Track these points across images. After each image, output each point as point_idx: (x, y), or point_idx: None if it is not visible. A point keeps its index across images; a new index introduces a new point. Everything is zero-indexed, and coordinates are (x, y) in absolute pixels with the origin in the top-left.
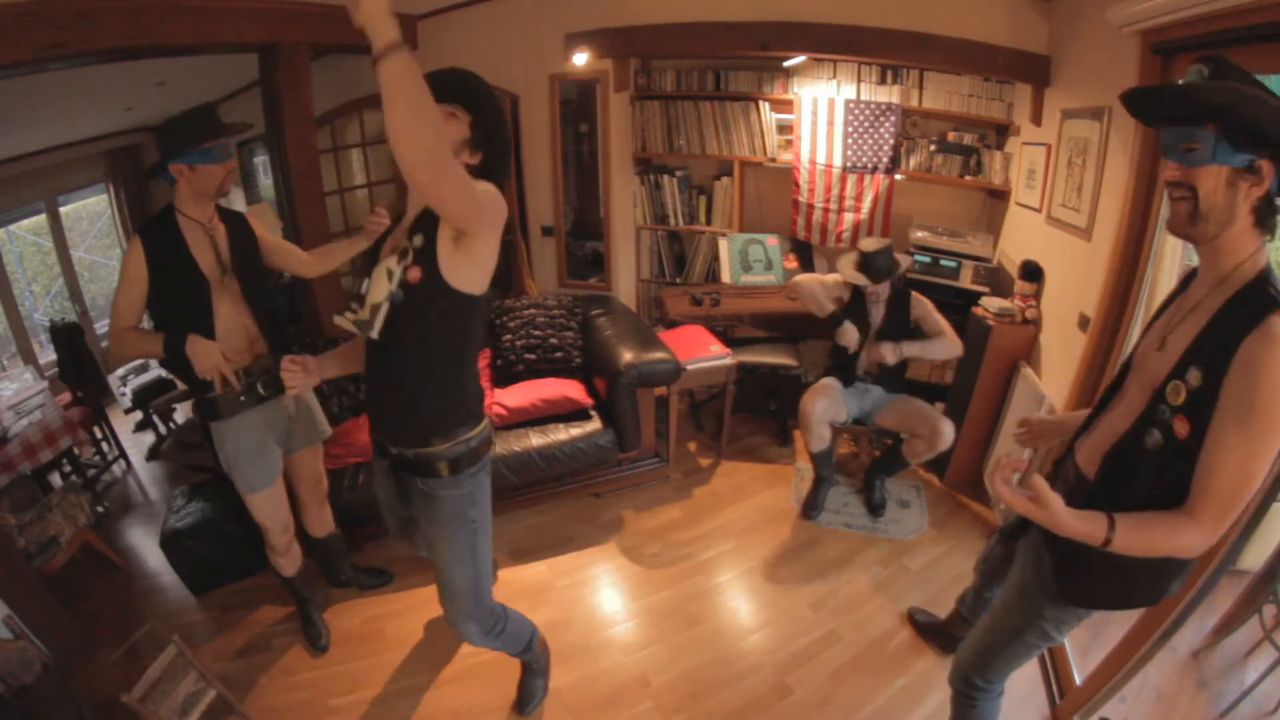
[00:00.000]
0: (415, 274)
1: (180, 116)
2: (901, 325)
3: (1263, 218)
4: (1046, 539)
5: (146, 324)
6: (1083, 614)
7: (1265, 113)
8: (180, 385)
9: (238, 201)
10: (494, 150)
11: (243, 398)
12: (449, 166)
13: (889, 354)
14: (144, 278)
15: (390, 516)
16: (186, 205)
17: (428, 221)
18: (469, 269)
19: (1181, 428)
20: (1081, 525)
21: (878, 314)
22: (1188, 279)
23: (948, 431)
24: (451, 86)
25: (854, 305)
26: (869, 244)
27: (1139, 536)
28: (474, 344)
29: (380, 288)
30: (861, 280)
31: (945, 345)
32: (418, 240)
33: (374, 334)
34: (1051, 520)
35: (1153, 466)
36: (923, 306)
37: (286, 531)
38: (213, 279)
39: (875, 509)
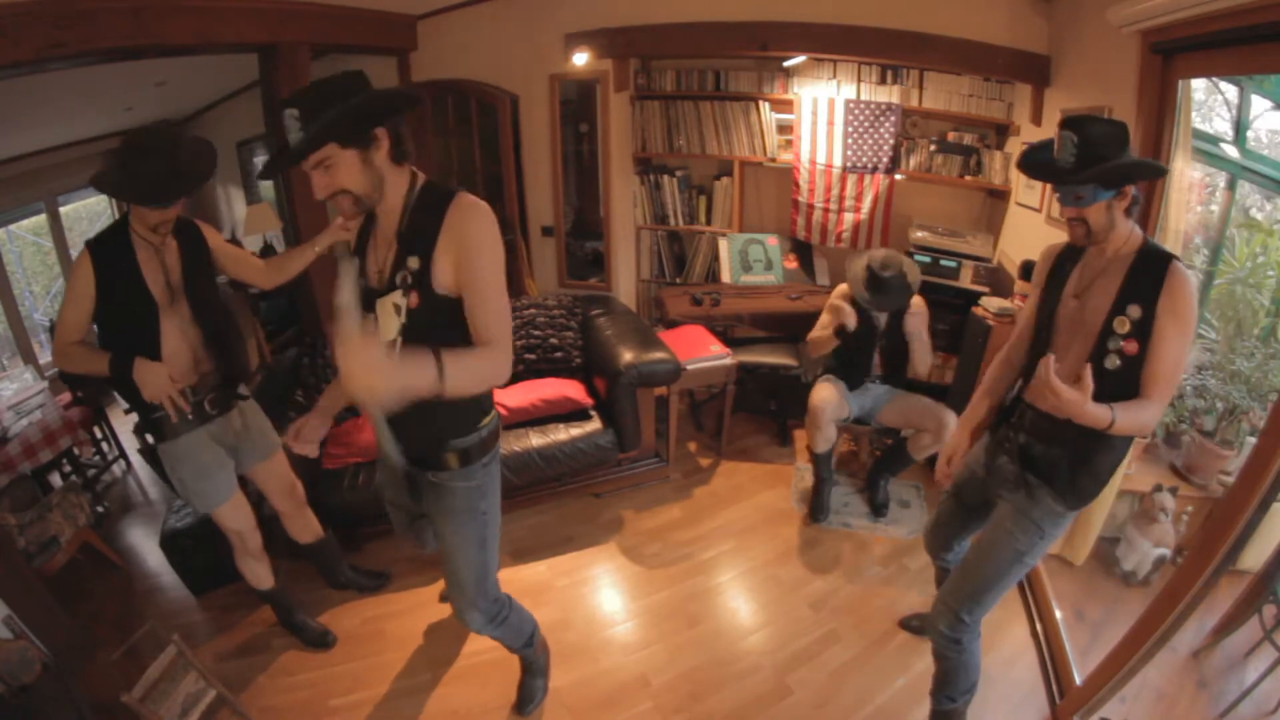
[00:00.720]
0: (414, 299)
1: (141, 162)
2: (897, 319)
3: (1131, 211)
4: (1034, 469)
5: (93, 334)
6: (1064, 529)
7: (1121, 172)
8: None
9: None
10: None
11: (190, 416)
12: (506, 359)
13: (849, 319)
14: (91, 295)
15: (396, 513)
16: (138, 222)
17: (420, 241)
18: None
19: (1131, 347)
20: (1098, 412)
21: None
22: (1067, 257)
23: (953, 423)
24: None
25: (861, 310)
26: (882, 262)
27: (1128, 418)
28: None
29: (390, 324)
30: (865, 299)
31: (927, 356)
32: (413, 263)
33: None
34: (1082, 405)
35: (1114, 382)
36: (920, 318)
37: (256, 530)
38: (161, 302)
39: (879, 508)
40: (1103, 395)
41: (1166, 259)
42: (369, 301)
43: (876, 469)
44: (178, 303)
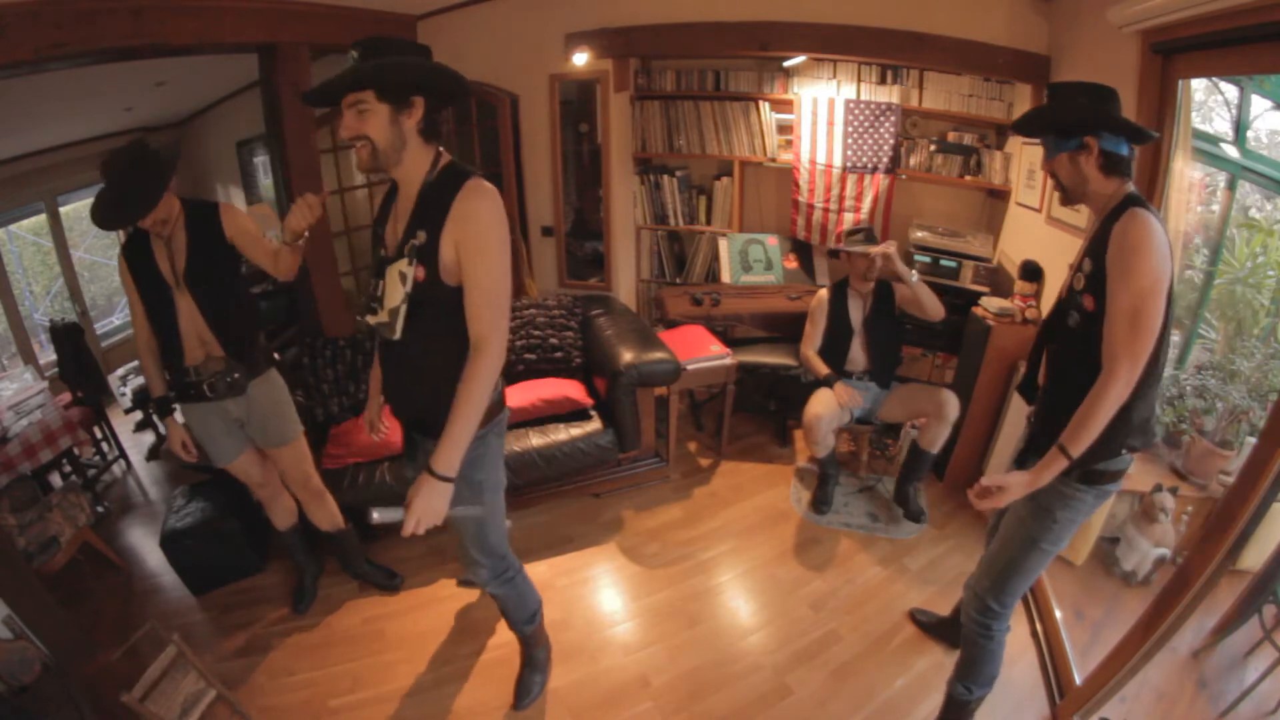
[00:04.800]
0: (420, 272)
1: (106, 188)
2: (888, 314)
3: (1110, 170)
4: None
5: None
6: (1086, 511)
7: (1057, 116)
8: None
9: (238, 201)
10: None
11: (191, 391)
12: (500, 347)
13: (889, 252)
14: (131, 285)
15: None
16: None
17: (430, 218)
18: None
19: (1089, 302)
20: (1048, 472)
21: (862, 306)
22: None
23: (952, 400)
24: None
25: (836, 306)
26: (851, 228)
27: (1085, 429)
28: None
29: (395, 291)
30: (864, 248)
31: (934, 300)
32: (420, 237)
33: (396, 335)
34: (1028, 487)
35: (1078, 339)
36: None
37: (263, 488)
38: (171, 285)
39: (915, 517)
40: (1069, 355)
41: (1130, 204)
42: (381, 269)
43: (902, 481)
44: (182, 288)
